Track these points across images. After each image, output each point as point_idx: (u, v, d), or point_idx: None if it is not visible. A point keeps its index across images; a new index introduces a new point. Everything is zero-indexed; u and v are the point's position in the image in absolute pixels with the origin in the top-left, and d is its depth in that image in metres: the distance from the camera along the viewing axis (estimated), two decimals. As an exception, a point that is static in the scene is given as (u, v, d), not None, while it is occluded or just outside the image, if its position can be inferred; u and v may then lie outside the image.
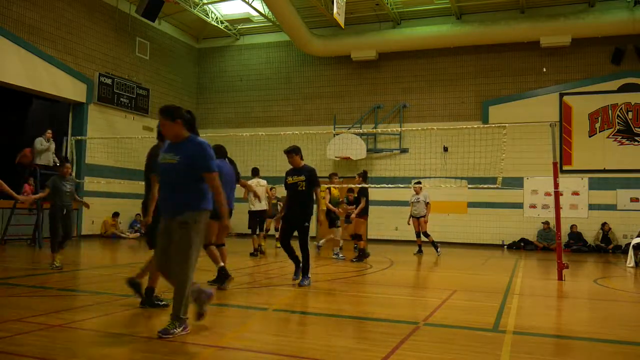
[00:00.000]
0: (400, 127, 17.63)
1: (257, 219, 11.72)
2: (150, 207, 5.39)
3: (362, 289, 7.54)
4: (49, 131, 13.32)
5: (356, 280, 8.32)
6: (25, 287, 6.58)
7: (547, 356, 4.21)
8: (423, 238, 12.98)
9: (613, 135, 16.19)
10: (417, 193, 13.07)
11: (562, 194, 13.49)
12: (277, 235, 13.46)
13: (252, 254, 11.58)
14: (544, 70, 16.83)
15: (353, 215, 11.51)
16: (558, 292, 7.57)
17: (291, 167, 7.48)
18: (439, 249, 12.77)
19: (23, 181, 12.96)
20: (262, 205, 11.63)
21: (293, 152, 7.42)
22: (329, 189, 11.86)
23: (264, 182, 12.06)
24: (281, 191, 14.37)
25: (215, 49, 20.76)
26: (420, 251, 13.06)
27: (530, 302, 6.72)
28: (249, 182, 12.71)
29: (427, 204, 12.91)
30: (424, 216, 12.94)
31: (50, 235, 8.63)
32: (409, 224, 13.15)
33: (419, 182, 13.41)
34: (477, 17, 17.32)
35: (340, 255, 11.39)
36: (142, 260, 7.49)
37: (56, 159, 13.36)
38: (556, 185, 8.96)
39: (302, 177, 7.32)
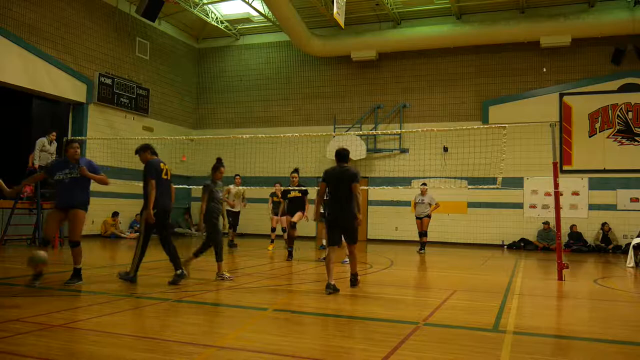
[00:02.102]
0: (400, 127, 17.64)
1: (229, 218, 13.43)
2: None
3: (362, 289, 7.53)
4: (54, 133, 13.28)
5: (356, 280, 8.31)
6: (25, 287, 6.58)
7: (547, 356, 4.21)
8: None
9: (613, 135, 16.19)
10: (423, 194, 13.29)
11: (562, 194, 13.51)
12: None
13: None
14: (544, 70, 16.82)
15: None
16: (558, 292, 7.57)
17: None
18: (423, 250, 13.39)
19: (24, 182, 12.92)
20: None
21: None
22: None
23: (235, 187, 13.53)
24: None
25: (215, 49, 20.76)
26: (421, 249, 13.40)
27: (530, 302, 6.72)
28: (230, 186, 13.42)
29: (431, 205, 13.33)
30: (428, 216, 13.34)
31: (212, 244, 7.75)
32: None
33: (425, 184, 13.58)
34: (477, 17, 17.32)
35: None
36: (142, 260, 7.49)
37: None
38: (556, 185, 8.95)
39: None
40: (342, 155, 7.19)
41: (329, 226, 7.07)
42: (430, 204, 13.29)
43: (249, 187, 14.17)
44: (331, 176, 7.10)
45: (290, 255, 10.93)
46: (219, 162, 7.99)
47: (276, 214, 13.28)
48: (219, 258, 7.62)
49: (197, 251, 7.79)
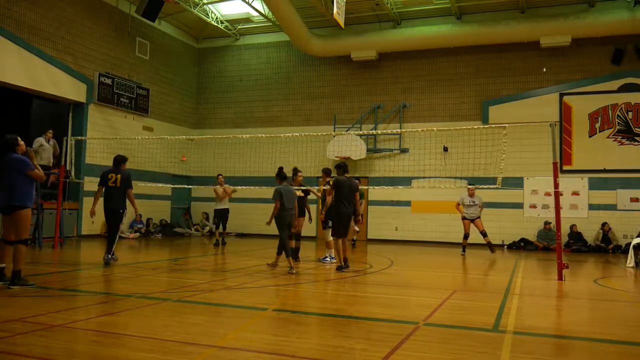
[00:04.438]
0: (400, 127, 17.63)
1: (221, 216, 13.75)
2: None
3: (362, 289, 7.54)
4: (50, 131, 13.29)
5: (356, 280, 8.31)
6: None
7: (547, 356, 4.22)
8: (473, 240, 13.38)
9: (613, 135, 16.19)
10: (472, 196, 13.45)
11: (562, 194, 13.50)
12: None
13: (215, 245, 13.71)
14: (544, 70, 16.82)
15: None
16: (558, 292, 7.57)
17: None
18: (494, 250, 13.43)
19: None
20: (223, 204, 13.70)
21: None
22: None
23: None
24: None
25: (215, 49, 20.76)
26: (464, 251, 13.27)
27: (530, 302, 6.72)
28: (216, 187, 13.74)
29: (481, 207, 13.44)
30: (478, 217, 13.40)
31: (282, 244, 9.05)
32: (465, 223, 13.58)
33: (473, 184, 13.61)
34: (477, 17, 17.31)
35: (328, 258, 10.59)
36: (142, 260, 7.51)
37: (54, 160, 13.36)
38: (556, 185, 8.95)
39: None
40: (345, 168, 9.38)
41: (343, 222, 9.16)
42: (480, 205, 13.45)
43: (249, 187, 14.23)
44: (343, 185, 9.15)
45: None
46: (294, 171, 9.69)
47: None
48: (294, 255, 9.18)
49: (294, 254, 9.18)
